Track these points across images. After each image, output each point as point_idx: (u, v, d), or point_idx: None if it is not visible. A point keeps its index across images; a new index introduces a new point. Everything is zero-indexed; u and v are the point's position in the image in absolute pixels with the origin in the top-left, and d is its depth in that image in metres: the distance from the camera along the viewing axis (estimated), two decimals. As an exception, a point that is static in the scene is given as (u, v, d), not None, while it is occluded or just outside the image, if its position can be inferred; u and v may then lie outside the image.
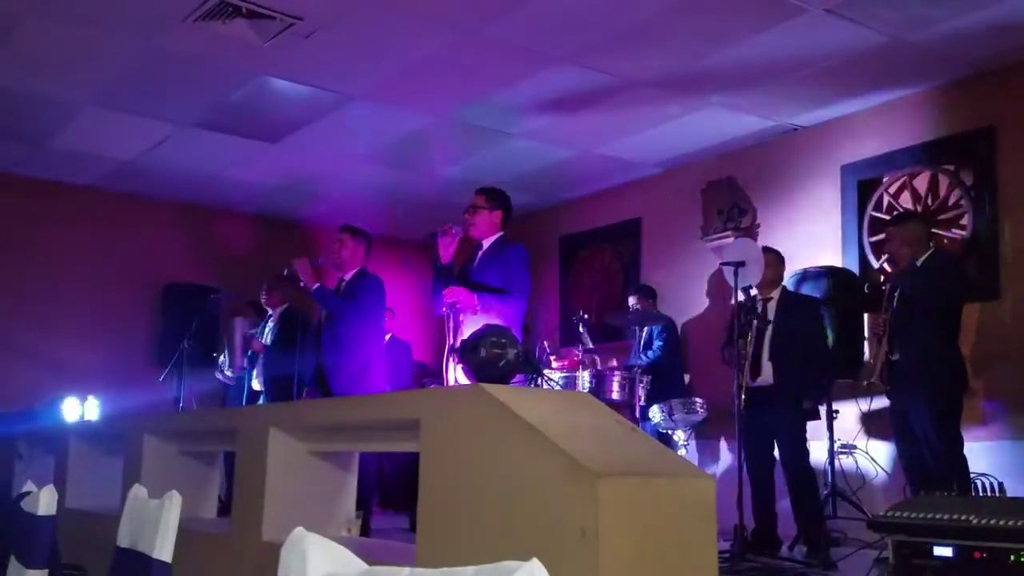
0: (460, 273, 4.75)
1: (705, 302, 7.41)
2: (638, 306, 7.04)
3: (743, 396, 5.28)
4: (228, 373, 7.18)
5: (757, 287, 5.52)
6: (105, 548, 1.99)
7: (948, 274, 5.06)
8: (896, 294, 5.02)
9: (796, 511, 5.19)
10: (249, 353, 6.91)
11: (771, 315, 5.43)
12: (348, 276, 5.60)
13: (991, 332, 5.61)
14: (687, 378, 7.22)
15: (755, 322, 5.33)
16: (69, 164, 7.84)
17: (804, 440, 5.30)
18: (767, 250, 5.63)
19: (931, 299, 4.89)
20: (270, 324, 6.91)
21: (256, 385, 6.89)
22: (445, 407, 2.46)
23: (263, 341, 6.83)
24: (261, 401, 6.66)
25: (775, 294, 5.51)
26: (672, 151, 7.44)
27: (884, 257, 5.29)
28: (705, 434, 6.93)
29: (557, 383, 5.45)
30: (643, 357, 6.72)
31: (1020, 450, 5.32)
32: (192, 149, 7.43)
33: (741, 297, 5.35)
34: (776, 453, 5.35)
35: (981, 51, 5.61)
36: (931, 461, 4.79)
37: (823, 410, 5.70)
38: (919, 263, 5.03)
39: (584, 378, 5.69)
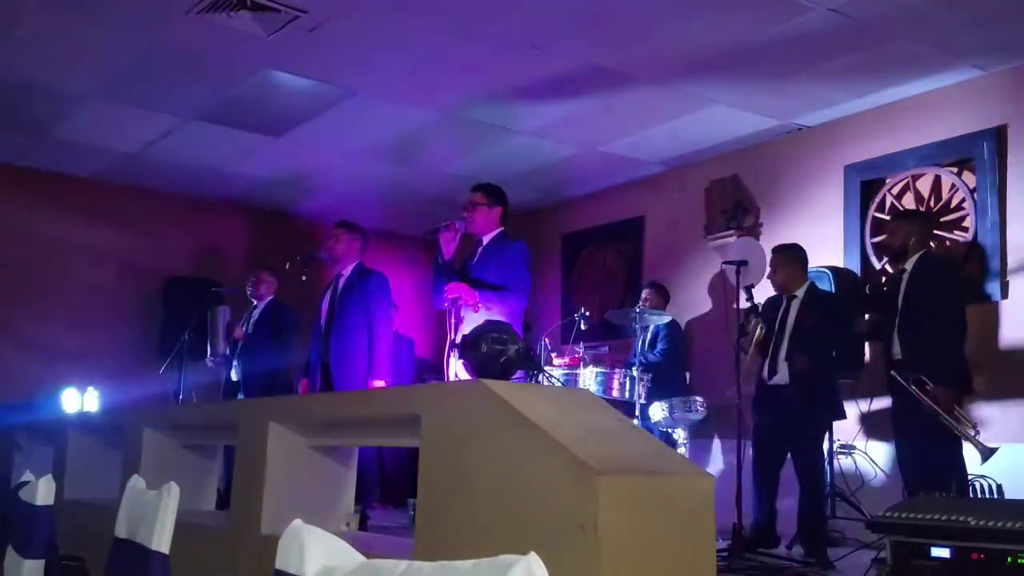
0: (461, 269, 4.75)
1: (707, 301, 7.41)
2: (648, 302, 7.01)
3: (755, 394, 5.27)
4: (208, 361, 7.02)
5: (779, 286, 5.45)
6: (103, 539, 1.99)
7: (943, 277, 5.04)
8: (900, 293, 5.01)
9: (801, 511, 5.18)
10: (232, 342, 6.81)
11: (792, 314, 5.38)
12: (346, 272, 5.60)
13: (994, 334, 5.61)
14: (688, 377, 7.22)
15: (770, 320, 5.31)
16: (72, 156, 7.84)
17: (821, 442, 5.28)
18: (788, 247, 5.54)
19: (929, 301, 4.88)
20: (254, 315, 6.84)
21: (235, 375, 6.75)
22: (446, 402, 2.45)
23: (245, 330, 6.76)
24: (240, 394, 6.55)
25: (800, 292, 5.40)
26: (676, 149, 7.43)
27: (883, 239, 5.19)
28: (705, 433, 6.93)
29: (558, 380, 5.45)
30: (647, 356, 6.71)
31: (1020, 453, 5.31)
32: (195, 142, 7.42)
33: (744, 296, 5.33)
34: (788, 453, 5.33)
35: (988, 52, 5.60)
36: (929, 462, 4.79)
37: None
38: (911, 264, 5.02)
39: (585, 375, 5.69)
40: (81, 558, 3.17)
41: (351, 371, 5.32)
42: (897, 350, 4.95)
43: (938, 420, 4.67)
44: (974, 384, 5.03)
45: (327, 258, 5.70)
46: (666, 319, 6.66)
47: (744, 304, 5.40)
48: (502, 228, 4.80)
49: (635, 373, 5.76)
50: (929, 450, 4.79)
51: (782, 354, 5.28)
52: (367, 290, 5.46)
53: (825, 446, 5.69)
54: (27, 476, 2.43)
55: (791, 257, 5.47)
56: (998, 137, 5.80)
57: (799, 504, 5.17)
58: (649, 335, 6.87)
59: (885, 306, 5.19)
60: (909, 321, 4.92)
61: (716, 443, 7.07)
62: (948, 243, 6.00)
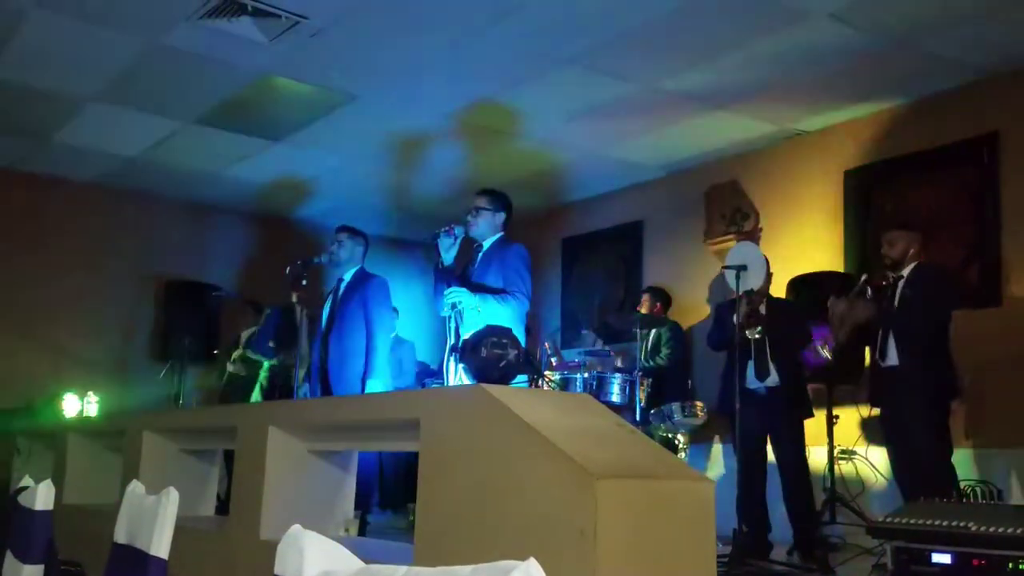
0: (461, 274, 4.76)
1: (707, 305, 7.40)
2: (645, 307, 7.00)
3: (743, 398, 5.28)
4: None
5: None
6: (102, 544, 1.99)
7: (940, 285, 5.06)
8: (895, 301, 5.02)
9: (791, 515, 5.19)
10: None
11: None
12: (347, 276, 5.61)
13: (992, 339, 5.60)
14: (689, 381, 7.20)
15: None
16: (73, 160, 7.84)
17: (802, 444, 5.29)
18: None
19: (926, 308, 4.90)
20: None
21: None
22: (445, 407, 2.45)
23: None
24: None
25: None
26: (676, 154, 7.43)
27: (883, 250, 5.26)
28: (705, 437, 6.92)
29: (558, 384, 5.44)
30: (652, 362, 6.70)
31: (1021, 458, 5.31)
32: (196, 146, 7.43)
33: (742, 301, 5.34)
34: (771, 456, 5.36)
35: (984, 57, 5.61)
36: (920, 466, 4.79)
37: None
38: (907, 272, 5.04)
39: (585, 379, 5.68)
40: (79, 563, 3.17)
41: (350, 375, 5.32)
42: (893, 355, 4.95)
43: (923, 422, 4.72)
44: (962, 389, 5.05)
45: (329, 262, 5.70)
46: (668, 323, 6.65)
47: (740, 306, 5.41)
48: (503, 233, 4.81)
49: (635, 377, 5.75)
50: (920, 455, 4.79)
51: (768, 355, 5.32)
52: (367, 294, 5.46)
53: (826, 451, 5.70)
54: (26, 481, 2.42)
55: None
56: (997, 141, 5.80)
57: (791, 507, 5.18)
58: (651, 340, 6.86)
59: (878, 313, 5.20)
60: (906, 328, 4.93)
61: (717, 448, 7.06)
62: (948, 247, 5.99)
